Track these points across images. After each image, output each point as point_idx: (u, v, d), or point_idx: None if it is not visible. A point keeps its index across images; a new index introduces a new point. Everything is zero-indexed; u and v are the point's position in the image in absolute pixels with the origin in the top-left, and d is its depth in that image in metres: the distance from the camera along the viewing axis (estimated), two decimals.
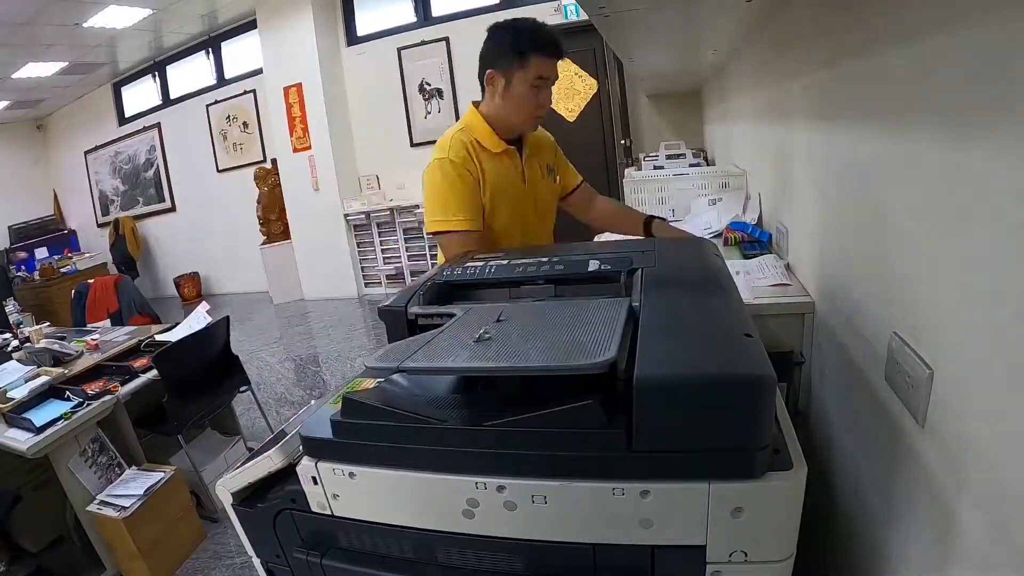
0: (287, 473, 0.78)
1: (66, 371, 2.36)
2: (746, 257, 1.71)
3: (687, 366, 0.60)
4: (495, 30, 1.37)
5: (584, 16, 2.08)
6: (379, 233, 5.48)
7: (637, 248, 1.00)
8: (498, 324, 0.76)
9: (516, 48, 1.32)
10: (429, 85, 5.28)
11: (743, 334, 0.64)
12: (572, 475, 0.63)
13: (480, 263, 1.02)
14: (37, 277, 6.32)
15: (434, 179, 1.36)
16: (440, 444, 0.67)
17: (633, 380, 0.58)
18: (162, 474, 2.13)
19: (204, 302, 3.08)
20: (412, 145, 5.47)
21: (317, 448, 0.74)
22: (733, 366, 0.59)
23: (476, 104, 1.47)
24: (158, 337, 2.65)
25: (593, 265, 0.92)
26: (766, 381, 0.56)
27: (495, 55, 1.36)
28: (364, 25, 5.46)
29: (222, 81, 6.20)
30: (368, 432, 0.70)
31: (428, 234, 1.41)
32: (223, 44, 6.08)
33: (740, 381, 0.57)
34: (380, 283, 5.61)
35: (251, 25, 5.57)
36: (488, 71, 1.38)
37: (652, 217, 1.59)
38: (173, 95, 6.55)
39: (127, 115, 6.92)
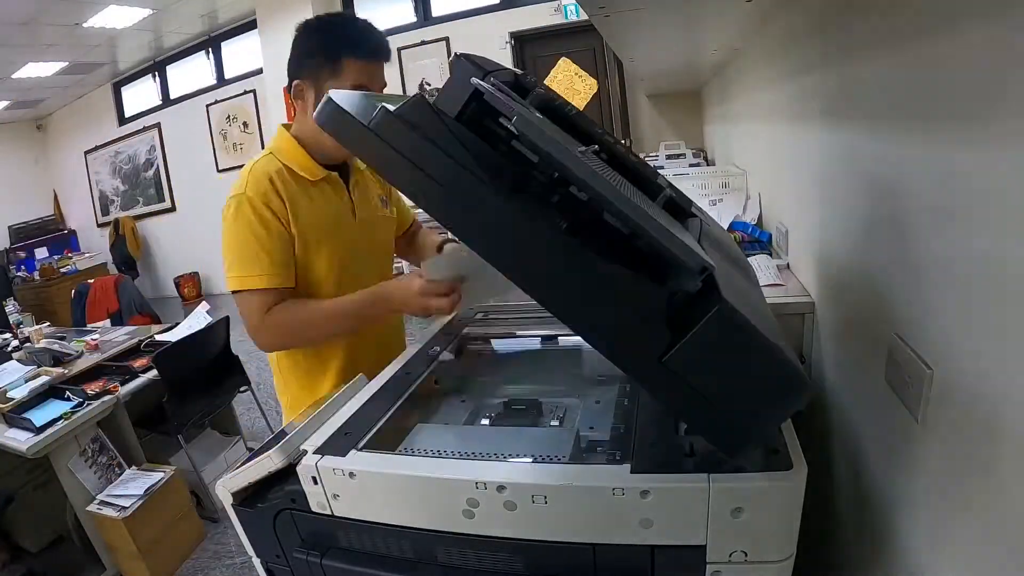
0: (287, 473, 0.78)
1: (66, 371, 2.36)
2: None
3: (769, 333, 0.56)
4: (301, 31, 1.11)
5: (584, 16, 2.08)
6: None
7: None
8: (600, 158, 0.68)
9: (326, 51, 1.07)
10: (429, 85, 5.15)
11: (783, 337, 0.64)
12: (597, 333, 0.57)
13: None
14: (37, 277, 6.32)
15: (228, 223, 1.10)
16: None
17: (719, 304, 0.52)
18: (162, 474, 2.14)
19: (204, 302, 3.08)
20: None
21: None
22: (797, 363, 0.57)
23: (287, 125, 1.22)
24: (158, 337, 2.65)
25: (662, 182, 0.81)
26: (808, 393, 0.56)
27: (302, 61, 1.10)
28: None
29: (222, 81, 6.20)
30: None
31: (230, 291, 1.12)
32: (223, 44, 6.08)
33: (797, 381, 0.55)
34: None
35: (251, 25, 5.57)
36: (295, 82, 1.12)
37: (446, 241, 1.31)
38: (173, 95, 6.55)
39: (127, 115, 6.92)
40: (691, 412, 0.58)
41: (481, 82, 0.60)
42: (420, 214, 1.22)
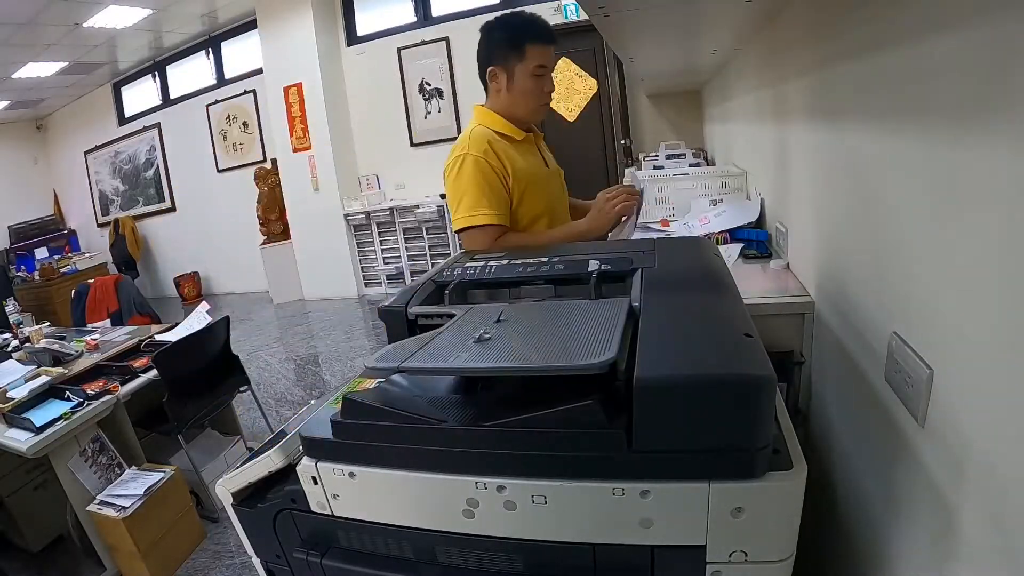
0: (287, 473, 0.78)
1: (66, 371, 2.36)
2: (744, 257, 1.72)
3: (687, 366, 0.60)
4: (489, 28, 1.40)
5: (584, 16, 2.08)
6: (379, 233, 5.48)
7: (637, 248, 1.00)
8: (498, 324, 0.76)
9: (512, 42, 1.36)
10: (429, 85, 5.28)
11: (743, 334, 0.64)
12: (572, 475, 0.62)
13: (480, 263, 1.02)
14: (37, 277, 6.32)
15: (454, 176, 1.37)
16: (440, 444, 0.66)
17: (633, 380, 0.58)
18: (162, 474, 2.13)
19: (204, 302, 3.08)
20: (412, 145, 5.47)
21: (317, 448, 0.74)
22: (733, 366, 0.59)
23: (481, 105, 1.48)
24: (158, 337, 2.65)
25: (593, 265, 0.92)
26: (766, 381, 0.56)
27: (493, 52, 1.39)
28: (364, 25, 5.46)
29: (222, 81, 6.20)
30: (368, 432, 0.70)
31: (456, 232, 1.41)
32: (223, 44, 6.08)
33: (740, 381, 0.57)
34: (380, 283, 5.61)
35: (251, 25, 5.57)
36: (489, 68, 1.40)
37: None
38: (173, 95, 6.55)
39: (127, 115, 6.92)
40: (694, 465, 0.59)
41: (370, 365, 0.70)
42: None
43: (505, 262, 1.00)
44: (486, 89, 1.45)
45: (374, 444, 0.70)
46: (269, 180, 5.80)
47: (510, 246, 1.31)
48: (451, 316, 0.84)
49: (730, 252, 1.75)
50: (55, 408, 2.06)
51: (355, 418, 0.72)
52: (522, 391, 0.71)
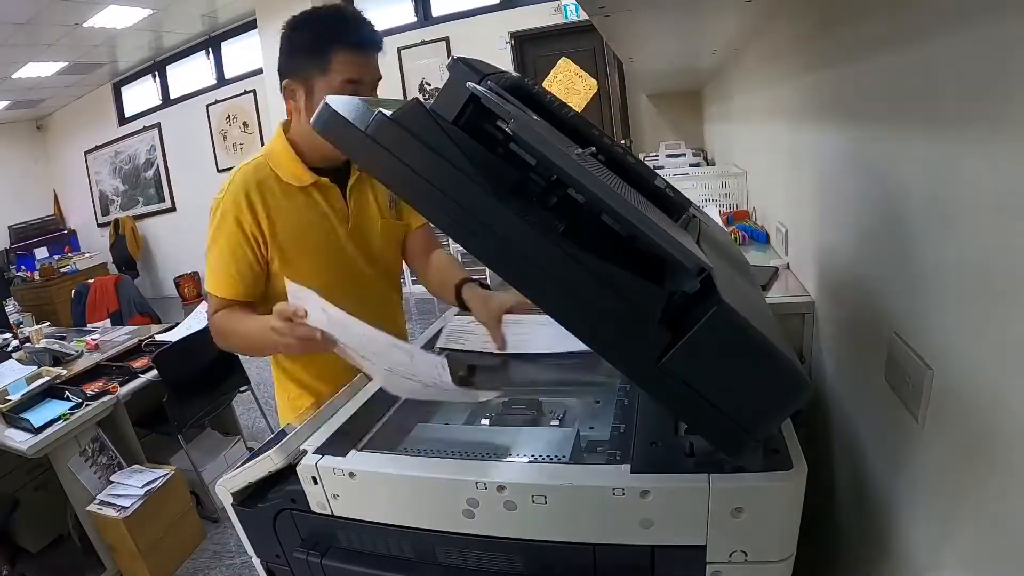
0: (287, 473, 0.78)
1: (66, 371, 2.36)
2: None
3: (765, 330, 0.55)
4: (287, 28, 1.07)
5: (584, 16, 2.08)
6: None
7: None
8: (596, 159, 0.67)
9: (313, 46, 1.02)
10: (429, 85, 5.28)
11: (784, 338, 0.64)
12: (592, 338, 0.57)
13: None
14: (37, 277, 6.32)
15: (209, 225, 1.10)
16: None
17: (716, 303, 0.53)
18: (162, 474, 2.14)
19: (204, 302, 3.07)
20: None
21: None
22: (794, 360, 0.57)
23: (285, 124, 1.16)
24: (158, 337, 2.65)
25: (660, 183, 0.81)
26: (807, 391, 0.56)
27: (290, 60, 1.06)
28: None
29: (222, 81, 6.20)
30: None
31: None
32: (223, 44, 6.08)
33: (795, 378, 0.55)
34: None
35: (251, 25, 5.57)
36: (284, 82, 1.07)
37: (465, 281, 1.15)
38: (173, 95, 6.55)
39: (127, 115, 6.92)
40: (691, 414, 0.58)
41: (477, 86, 0.60)
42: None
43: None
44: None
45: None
46: None
47: (219, 327, 1.09)
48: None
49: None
50: (54, 408, 2.06)
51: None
52: (608, 238, 0.62)
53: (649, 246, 0.55)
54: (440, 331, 1.19)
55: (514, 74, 0.81)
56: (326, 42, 1.02)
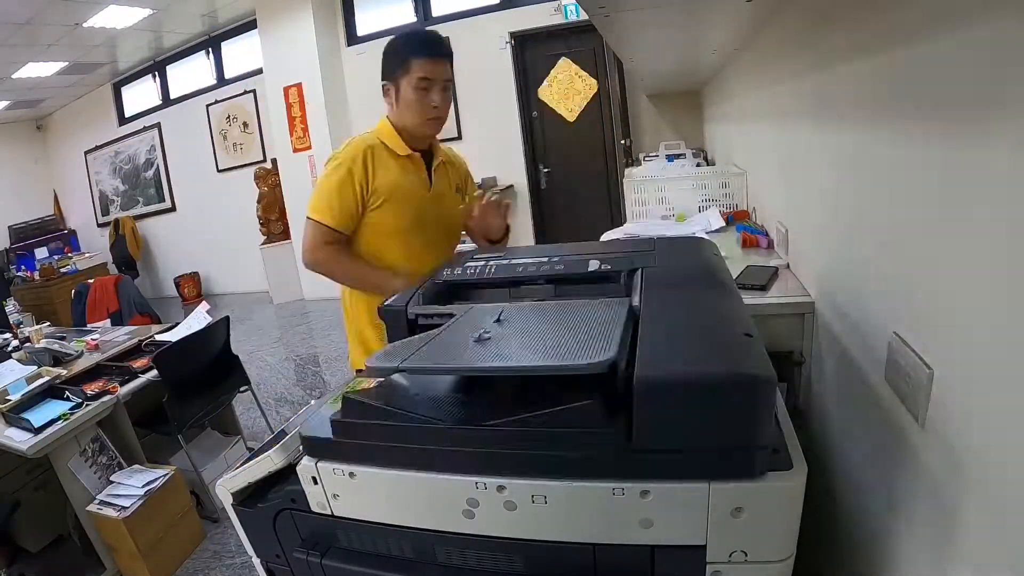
0: (287, 473, 0.78)
1: (66, 371, 2.36)
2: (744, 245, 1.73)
3: (687, 365, 0.60)
4: (386, 48, 1.47)
5: (584, 16, 2.08)
6: None
7: (637, 248, 1.00)
8: (498, 324, 0.76)
9: (398, 56, 1.40)
10: None
11: (743, 333, 0.64)
12: (572, 475, 0.62)
13: (480, 262, 1.02)
14: (37, 277, 6.32)
15: (323, 172, 1.45)
16: (440, 444, 0.66)
17: (633, 379, 0.58)
18: (162, 474, 2.13)
19: (204, 302, 3.08)
20: None
21: (317, 448, 0.74)
22: (733, 365, 0.59)
23: (389, 116, 1.52)
24: (158, 337, 2.65)
25: (593, 265, 0.92)
26: (766, 380, 0.56)
27: (384, 68, 1.44)
28: (364, 25, 5.46)
29: (222, 81, 6.19)
30: (368, 432, 0.70)
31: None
32: (223, 44, 6.08)
33: (740, 380, 0.57)
34: None
35: (251, 25, 5.56)
36: (383, 84, 1.45)
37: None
38: (173, 95, 6.54)
39: (127, 115, 6.92)
40: (693, 465, 0.59)
41: (372, 365, 0.70)
42: None
43: (505, 261, 1.00)
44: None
45: (374, 443, 0.70)
46: (269, 180, 5.80)
47: (323, 258, 1.43)
48: (451, 315, 0.84)
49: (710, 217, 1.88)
50: (54, 408, 2.05)
51: (355, 418, 0.72)
52: (522, 390, 0.71)
53: (558, 378, 0.65)
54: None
55: (443, 278, 1.01)
56: (406, 52, 1.39)
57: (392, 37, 1.44)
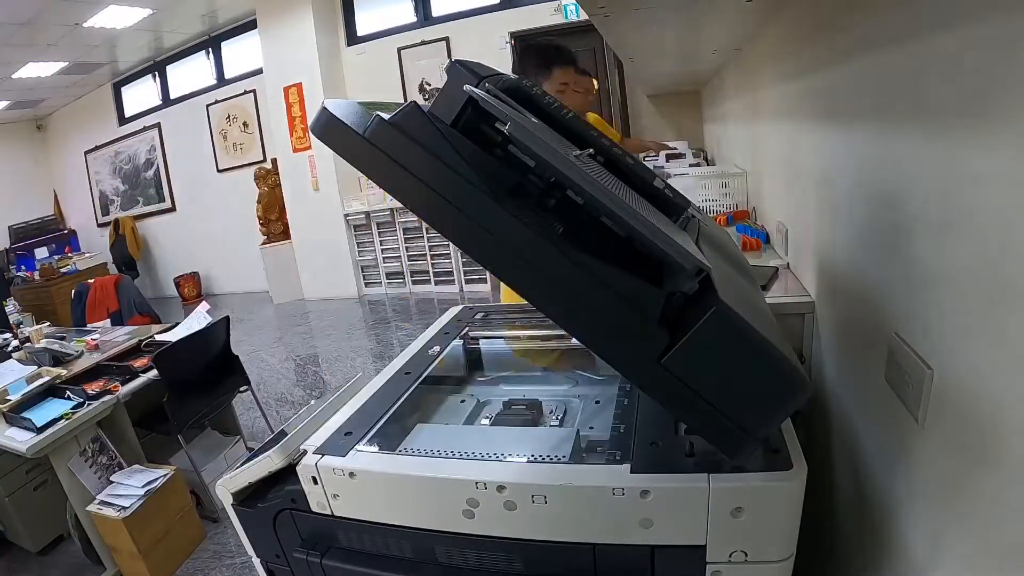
0: (287, 473, 0.78)
1: (66, 371, 2.36)
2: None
3: (763, 330, 0.56)
4: (526, 50, 1.84)
5: (584, 16, 2.09)
6: (379, 233, 5.48)
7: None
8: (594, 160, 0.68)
9: (542, 64, 1.71)
10: (429, 85, 5.28)
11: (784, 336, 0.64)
12: (592, 338, 0.57)
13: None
14: (37, 277, 6.32)
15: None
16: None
17: (715, 304, 0.53)
18: (162, 474, 2.13)
19: (204, 302, 3.08)
20: None
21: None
22: (792, 359, 0.57)
23: None
24: (158, 337, 2.65)
25: (659, 184, 0.83)
26: (805, 388, 0.56)
27: (526, 70, 1.71)
28: (364, 25, 5.46)
29: (222, 81, 6.20)
30: None
31: None
32: (223, 44, 6.08)
33: (793, 377, 0.55)
34: (380, 283, 5.61)
35: (251, 25, 5.57)
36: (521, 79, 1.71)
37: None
38: (173, 95, 6.55)
39: (127, 115, 6.92)
40: (690, 415, 0.58)
41: (475, 89, 0.60)
42: None
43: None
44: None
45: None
46: (269, 180, 5.80)
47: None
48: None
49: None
50: (55, 408, 2.05)
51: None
52: (606, 239, 0.62)
53: (647, 247, 0.56)
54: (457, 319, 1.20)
55: (512, 76, 0.81)
56: (550, 61, 1.71)
57: (533, 45, 1.90)
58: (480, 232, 0.57)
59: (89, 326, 3.34)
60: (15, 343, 2.79)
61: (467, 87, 0.60)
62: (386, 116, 0.59)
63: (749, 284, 0.77)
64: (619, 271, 0.56)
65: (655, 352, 0.55)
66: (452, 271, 5.30)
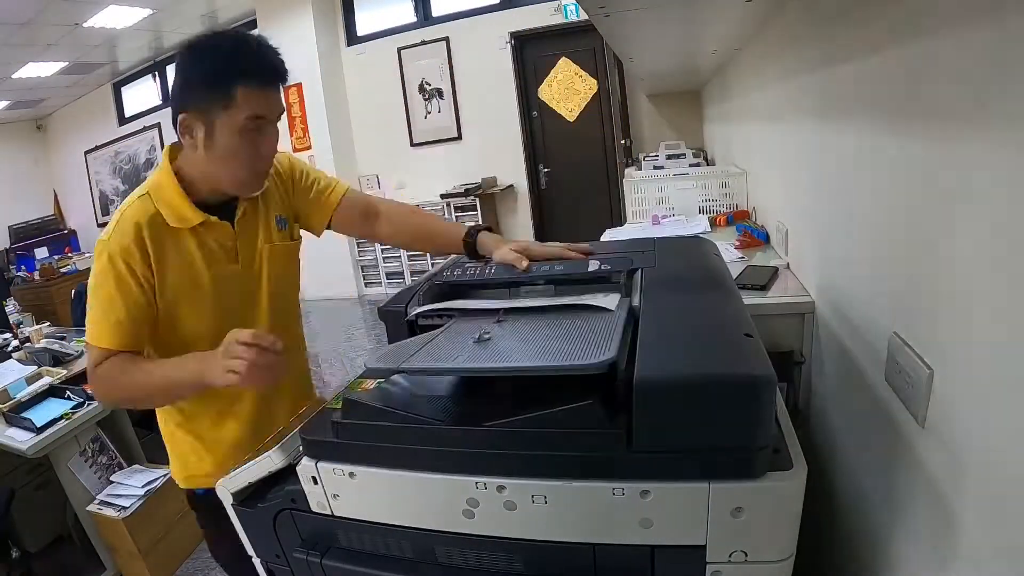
0: (287, 473, 0.78)
1: (66, 371, 2.36)
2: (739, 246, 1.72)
3: (686, 366, 0.60)
4: (184, 54, 0.94)
5: (584, 16, 2.08)
6: None
7: (637, 248, 1.00)
8: (498, 325, 0.76)
9: (215, 79, 0.92)
10: (429, 85, 5.28)
11: (743, 334, 0.64)
12: (572, 475, 0.62)
13: (480, 263, 1.03)
14: (37, 277, 6.32)
15: (93, 270, 0.98)
16: (440, 445, 0.66)
17: (633, 380, 0.58)
18: (162, 474, 2.13)
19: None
20: (412, 145, 5.47)
21: (317, 449, 0.74)
22: (733, 366, 0.59)
23: (174, 150, 1.05)
24: None
25: (593, 265, 0.93)
26: (766, 381, 0.56)
27: (187, 91, 0.95)
28: (364, 25, 5.46)
29: None
30: (368, 433, 0.70)
31: None
32: None
33: (740, 381, 0.57)
34: (380, 283, 5.61)
35: (251, 25, 5.56)
36: (180, 115, 0.96)
37: (476, 228, 1.13)
38: None
39: (127, 115, 6.92)
40: (694, 467, 0.59)
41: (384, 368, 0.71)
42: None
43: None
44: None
45: (374, 444, 0.70)
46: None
47: (107, 377, 0.95)
48: (451, 317, 0.84)
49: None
50: (56, 408, 2.06)
51: (355, 418, 0.72)
52: (522, 391, 0.71)
53: (555, 377, 0.65)
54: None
55: (443, 278, 0.98)
56: (229, 75, 0.91)
57: (195, 43, 0.94)
58: (442, 453, 0.66)
59: None
60: (15, 343, 2.79)
61: (367, 364, 0.72)
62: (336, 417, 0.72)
63: (703, 294, 0.79)
64: (549, 411, 0.62)
65: (623, 441, 0.59)
66: None
